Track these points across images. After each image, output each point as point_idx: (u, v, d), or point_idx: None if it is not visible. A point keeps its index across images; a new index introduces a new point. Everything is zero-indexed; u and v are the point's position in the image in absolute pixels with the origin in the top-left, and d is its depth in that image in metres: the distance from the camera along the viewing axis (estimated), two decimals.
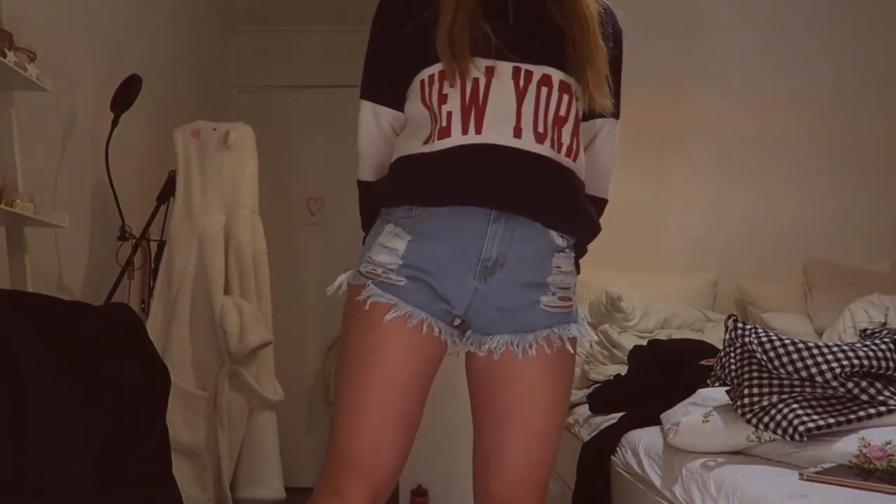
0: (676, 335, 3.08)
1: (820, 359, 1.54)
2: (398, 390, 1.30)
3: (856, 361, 1.53)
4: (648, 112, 3.81)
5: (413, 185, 1.33)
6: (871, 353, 1.55)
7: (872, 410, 1.49)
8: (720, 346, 1.80)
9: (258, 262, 3.12)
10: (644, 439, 2.01)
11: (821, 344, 1.58)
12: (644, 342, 2.85)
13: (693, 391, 1.87)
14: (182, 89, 3.95)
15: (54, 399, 1.77)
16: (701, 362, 2.27)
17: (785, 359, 1.56)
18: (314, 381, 4.40)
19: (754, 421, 1.57)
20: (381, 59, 1.43)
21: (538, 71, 1.31)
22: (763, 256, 3.68)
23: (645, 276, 3.55)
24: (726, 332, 1.71)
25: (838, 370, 1.52)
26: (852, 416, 1.49)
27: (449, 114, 1.30)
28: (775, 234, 3.71)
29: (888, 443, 1.38)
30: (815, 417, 1.49)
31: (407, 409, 1.31)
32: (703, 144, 3.79)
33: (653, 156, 3.79)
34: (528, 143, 1.29)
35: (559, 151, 1.32)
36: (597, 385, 2.90)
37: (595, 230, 1.44)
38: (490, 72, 1.30)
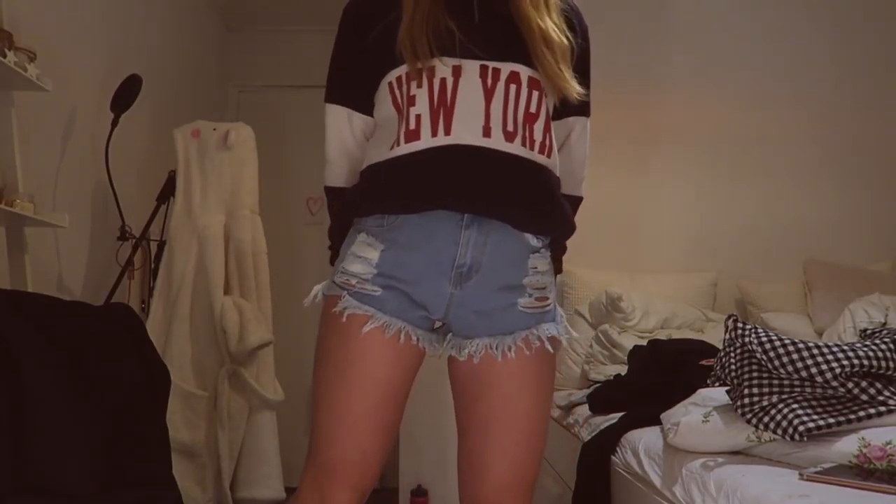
0: (676, 335, 3.08)
1: (820, 359, 1.54)
2: (378, 400, 1.30)
3: (856, 361, 1.53)
4: (648, 112, 3.81)
5: (383, 193, 1.32)
6: (871, 353, 1.55)
7: (872, 410, 1.49)
8: (720, 346, 1.80)
9: (258, 262, 3.12)
10: (644, 439, 2.01)
11: (821, 344, 1.58)
12: (644, 342, 2.85)
13: (693, 391, 1.87)
14: (182, 89, 3.95)
15: (54, 399, 1.77)
16: (701, 362, 2.27)
17: (785, 359, 1.56)
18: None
19: (754, 421, 1.57)
20: (348, 63, 1.41)
21: (506, 68, 1.30)
22: (763, 256, 3.69)
23: (645, 276, 3.55)
24: (726, 332, 1.71)
25: (838, 370, 1.51)
26: (852, 416, 1.49)
27: (418, 116, 1.29)
28: (775, 234, 3.71)
29: (888, 443, 1.38)
30: (815, 417, 1.49)
31: (386, 416, 1.32)
32: (703, 144, 3.79)
33: (653, 156, 3.79)
34: (497, 142, 1.28)
35: (532, 149, 1.31)
36: (597, 385, 2.90)
37: (570, 229, 1.44)
38: (457, 71, 1.29)
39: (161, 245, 3.19)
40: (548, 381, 1.38)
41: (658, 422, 1.93)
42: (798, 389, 1.56)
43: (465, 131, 1.27)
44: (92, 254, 3.01)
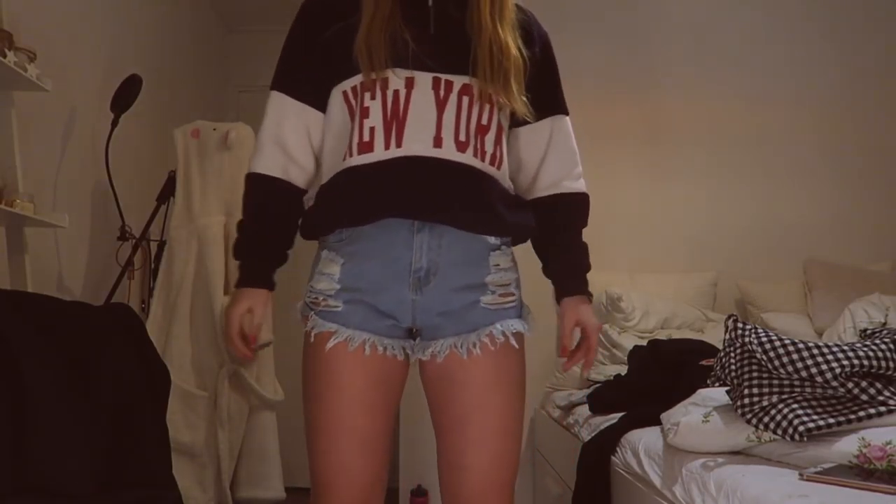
0: (676, 335, 3.08)
1: (820, 359, 1.54)
2: (351, 413, 1.32)
3: (856, 361, 1.53)
4: (649, 112, 3.81)
5: (339, 208, 1.34)
6: (871, 353, 1.55)
7: (872, 410, 1.48)
8: (720, 346, 1.80)
9: None
10: (644, 439, 2.01)
11: (821, 344, 1.58)
12: (644, 342, 2.85)
13: (693, 391, 1.87)
14: (182, 89, 3.95)
15: (54, 399, 1.77)
16: (701, 362, 2.27)
17: (785, 359, 1.56)
18: None
19: (754, 421, 1.57)
20: (298, 55, 1.42)
21: (458, 80, 1.32)
22: (763, 256, 3.69)
23: (645, 276, 3.55)
24: (726, 332, 1.71)
25: (838, 370, 1.51)
26: (852, 416, 1.49)
27: (372, 129, 1.30)
28: (775, 234, 3.71)
29: (888, 443, 1.38)
30: (815, 417, 1.49)
31: (366, 431, 1.33)
32: (703, 144, 3.79)
33: (653, 156, 3.79)
34: (448, 151, 1.30)
35: (483, 160, 1.33)
36: (597, 385, 2.90)
37: (527, 232, 1.44)
38: (410, 83, 1.31)
39: (161, 245, 3.19)
40: (516, 377, 1.38)
41: (658, 422, 1.93)
42: (798, 389, 1.56)
43: (417, 142, 1.29)
44: (92, 254, 3.01)
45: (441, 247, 1.32)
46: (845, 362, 1.52)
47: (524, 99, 1.36)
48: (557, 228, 1.46)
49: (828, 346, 1.57)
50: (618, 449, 2.18)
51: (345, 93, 1.34)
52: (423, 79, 1.31)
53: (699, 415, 1.72)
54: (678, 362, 2.38)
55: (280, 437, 3.15)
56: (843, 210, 3.74)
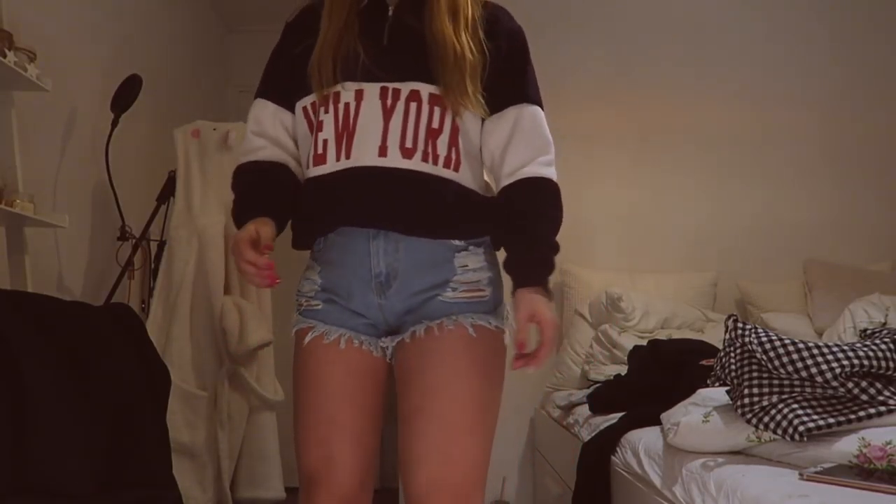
0: (676, 335, 3.08)
1: (820, 359, 1.54)
2: (332, 403, 1.35)
3: (856, 361, 1.53)
4: (648, 112, 3.81)
5: (309, 219, 1.41)
6: (871, 353, 1.55)
7: (872, 410, 1.49)
8: (720, 346, 1.80)
9: None
10: (644, 439, 2.01)
11: (821, 344, 1.58)
12: (644, 342, 2.85)
13: (693, 391, 1.87)
14: (182, 89, 3.95)
15: (54, 399, 1.77)
16: (701, 362, 2.27)
17: (785, 359, 1.56)
18: None
19: (754, 421, 1.57)
20: (276, 70, 1.49)
21: (406, 87, 1.34)
22: (763, 256, 3.69)
23: (645, 276, 3.55)
24: (726, 332, 1.71)
25: (838, 370, 1.51)
26: (852, 416, 1.49)
27: (325, 141, 1.36)
28: (775, 234, 3.71)
29: (888, 443, 1.38)
30: (815, 417, 1.49)
31: (347, 421, 1.35)
32: (703, 144, 3.79)
33: (653, 156, 3.79)
34: (393, 160, 1.32)
35: (435, 163, 1.34)
36: (597, 385, 2.90)
37: (479, 232, 1.40)
38: (359, 95, 1.35)
39: (161, 245, 3.19)
40: (483, 373, 1.33)
41: (658, 422, 1.93)
42: (798, 389, 1.56)
43: (363, 153, 1.33)
44: (92, 254, 3.01)
45: (399, 251, 1.34)
46: (845, 362, 1.52)
47: (480, 97, 1.36)
48: (516, 215, 1.38)
49: (828, 346, 1.57)
50: (618, 449, 2.18)
51: (304, 108, 1.41)
52: (372, 90, 1.34)
53: (699, 415, 1.72)
54: (678, 362, 2.38)
55: (280, 437, 3.15)
56: (843, 210, 3.74)
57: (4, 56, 2.14)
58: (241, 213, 1.41)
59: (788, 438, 1.50)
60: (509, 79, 1.41)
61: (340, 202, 1.35)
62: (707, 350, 2.45)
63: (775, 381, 1.58)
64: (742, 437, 1.61)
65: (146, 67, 3.16)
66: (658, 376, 2.40)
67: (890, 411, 1.48)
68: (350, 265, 1.36)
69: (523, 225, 1.38)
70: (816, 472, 1.36)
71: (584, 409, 2.70)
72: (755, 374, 1.61)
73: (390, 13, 1.40)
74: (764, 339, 1.61)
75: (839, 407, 1.52)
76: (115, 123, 2.92)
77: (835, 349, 1.56)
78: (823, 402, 1.54)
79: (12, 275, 2.37)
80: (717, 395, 1.77)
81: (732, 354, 1.68)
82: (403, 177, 1.32)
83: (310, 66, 1.37)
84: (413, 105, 1.34)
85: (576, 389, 3.19)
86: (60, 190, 2.76)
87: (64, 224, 2.46)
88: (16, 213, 2.24)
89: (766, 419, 1.54)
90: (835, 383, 1.52)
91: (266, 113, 1.46)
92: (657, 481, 1.84)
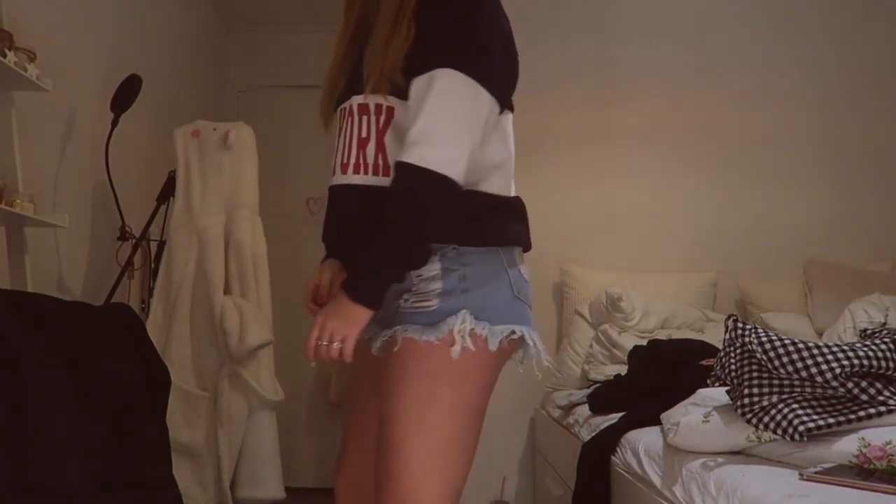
0: (676, 335, 3.08)
1: (820, 359, 1.54)
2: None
3: (856, 361, 1.53)
4: (649, 112, 3.81)
5: None
6: (871, 353, 1.55)
7: (872, 410, 1.48)
8: (720, 346, 1.80)
9: (258, 263, 3.12)
10: (644, 439, 2.01)
11: (821, 344, 1.58)
12: (644, 342, 2.85)
13: (693, 391, 1.87)
14: (182, 89, 3.95)
15: (54, 399, 1.77)
16: (701, 362, 2.27)
17: (785, 359, 1.56)
18: (314, 381, 4.40)
19: (754, 421, 1.57)
20: None
21: (349, 104, 1.38)
22: (763, 256, 3.69)
23: (645, 276, 3.55)
24: (726, 332, 1.71)
25: (838, 370, 1.51)
26: (852, 416, 1.49)
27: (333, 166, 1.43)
28: (775, 234, 3.71)
29: (888, 443, 1.38)
30: (815, 417, 1.49)
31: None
32: (703, 144, 3.79)
33: (653, 156, 3.79)
34: (338, 177, 1.37)
35: (366, 173, 1.33)
36: (597, 385, 2.90)
37: (407, 237, 1.24)
38: (341, 116, 1.40)
39: (161, 245, 3.19)
40: (412, 387, 1.27)
41: (658, 422, 1.93)
42: (798, 389, 1.56)
43: (331, 174, 1.40)
44: (92, 254, 3.01)
45: None
46: (845, 362, 1.52)
47: (392, 75, 1.29)
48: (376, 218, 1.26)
49: (828, 346, 1.57)
50: (618, 449, 2.18)
51: None
52: (340, 113, 1.41)
53: (699, 415, 1.72)
54: (678, 362, 2.38)
55: (280, 437, 3.15)
56: (843, 210, 3.74)
57: (4, 56, 2.14)
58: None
59: (788, 438, 1.49)
60: (426, 44, 1.27)
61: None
62: (707, 350, 2.45)
63: (775, 381, 1.58)
64: (742, 437, 1.61)
65: (146, 67, 3.16)
66: (658, 376, 2.40)
67: (890, 411, 1.48)
68: None
69: (373, 226, 1.25)
70: (816, 472, 1.36)
71: (584, 409, 2.70)
72: (755, 374, 1.61)
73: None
74: (764, 339, 1.61)
75: (839, 407, 1.52)
76: (115, 123, 2.92)
77: (835, 349, 1.56)
78: (823, 402, 1.54)
79: (12, 275, 2.37)
80: (717, 395, 1.77)
81: (732, 354, 1.68)
82: (343, 192, 1.36)
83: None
84: (348, 120, 1.37)
85: (576, 389, 3.19)
86: (60, 190, 2.76)
87: (64, 224, 2.46)
88: (16, 213, 2.24)
89: (766, 419, 1.54)
90: (835, 383, 1.52)
91: None
92: (657, 481, 1.84)
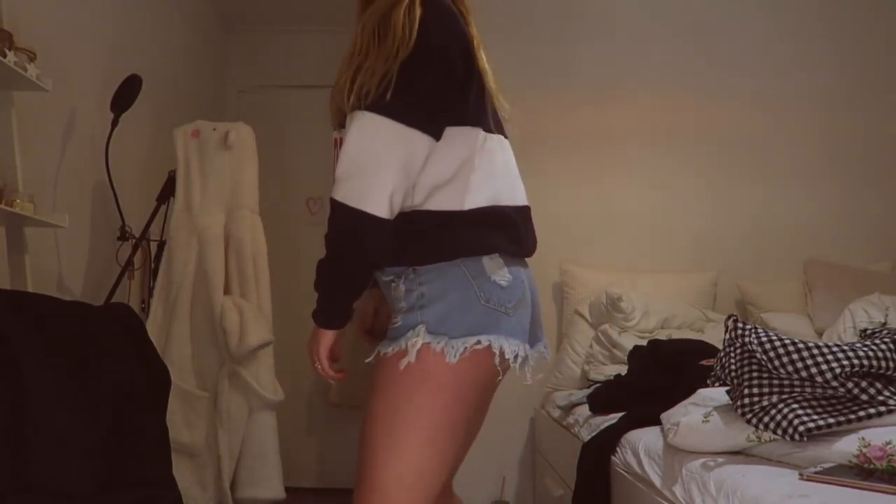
0: (676, 335, 3.08)
1: (820, 359, 1.54)
2: None
3: (856, 361, 1.53)
4: (649, 112, 3.81)
5: None
6: (871, 353, 1.55)
7: (872, 410, 1.48)
8: (720, 346, 1.80)
9: (258, 263, 3.12)
10: (644, 439, 2.01)
11: (821, 344, 1.58)
12: (644, 342, 2.85)
13: (693, 391, 1.87)
14: (182, 89, 3.95)
15: (54, 399, 1.77)
16: (701, 362, 2.27)
17: (785, 359, 1.56)
18: (314, 381, 4.40)
19: (754, 421, 1.57)
20: None
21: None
22: (763, 256, 3.69)
23: (645, 276, 3.55)
24: (726, 332, 1.71)
25: (838, 370, 1.51)
26: (852, 416, 1.49)
27: None
28: (775, 234, 3.71)
29: (888, 443, 1.38)
30: (815, 417, 1.49)
31: None
32: (703, 145, 3.79)
33: (653, 156, 3.79)
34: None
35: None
36: (597, 385, 2.90)
37: (391, 257, 1.38)
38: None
39: (161, 245, 3.19)
40: (382, 397, 1.36)
41: (658, 422, 1.93)
42: (798, 389, 1.56)
43: None
44: (92, 254, 3.01)
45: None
46: (845, 362, 1.52)
47: (345, 101, 1.37)
48: None
49: (828, 346, 1.57)
50: (618, 449, 2.18)
51: None
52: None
53: (699, 415, 1.72)
54: (678, 362, 2.38)
55: (280, 437, 3.15)
56: (843, 210, 3.74)
57: (4, 56, 2.14)
58: None
59: (788, 438, 1.49)
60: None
61: None
62: (707, 350, 2.45)
63: (775, 381, 1.58)
64: (742, 437, 1.61)
65: (146, 67, 3.16)
66: (658, 376, 2.40)
67: (890, 411, 1.48)
68: None
69: None
70: (816, 472, 1.36)
71: (584, 409, 2.70)
72: (755, 374, 1.61)
73: None
74: (764, 339, 1.61)
75: (839, 407, 1.52)
76: (115, 123, 2.92)
77: (835, 349, 1.56)
78: (823, 402, 1.54)
79: (12, 275, 2.37)
80: (717, 395, 1.77)
81: (732, 354, 1.68)
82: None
83: None
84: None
85: (576, 389, 3.19)
86: (60, 190, 2.76)
87: (64, 224, 2.46)
88: (16, 213, 2.24)
89: (766, 419, 1.54)
90: (835, 383, 1.52)
91: None
92: (657, 481, 1.84)
